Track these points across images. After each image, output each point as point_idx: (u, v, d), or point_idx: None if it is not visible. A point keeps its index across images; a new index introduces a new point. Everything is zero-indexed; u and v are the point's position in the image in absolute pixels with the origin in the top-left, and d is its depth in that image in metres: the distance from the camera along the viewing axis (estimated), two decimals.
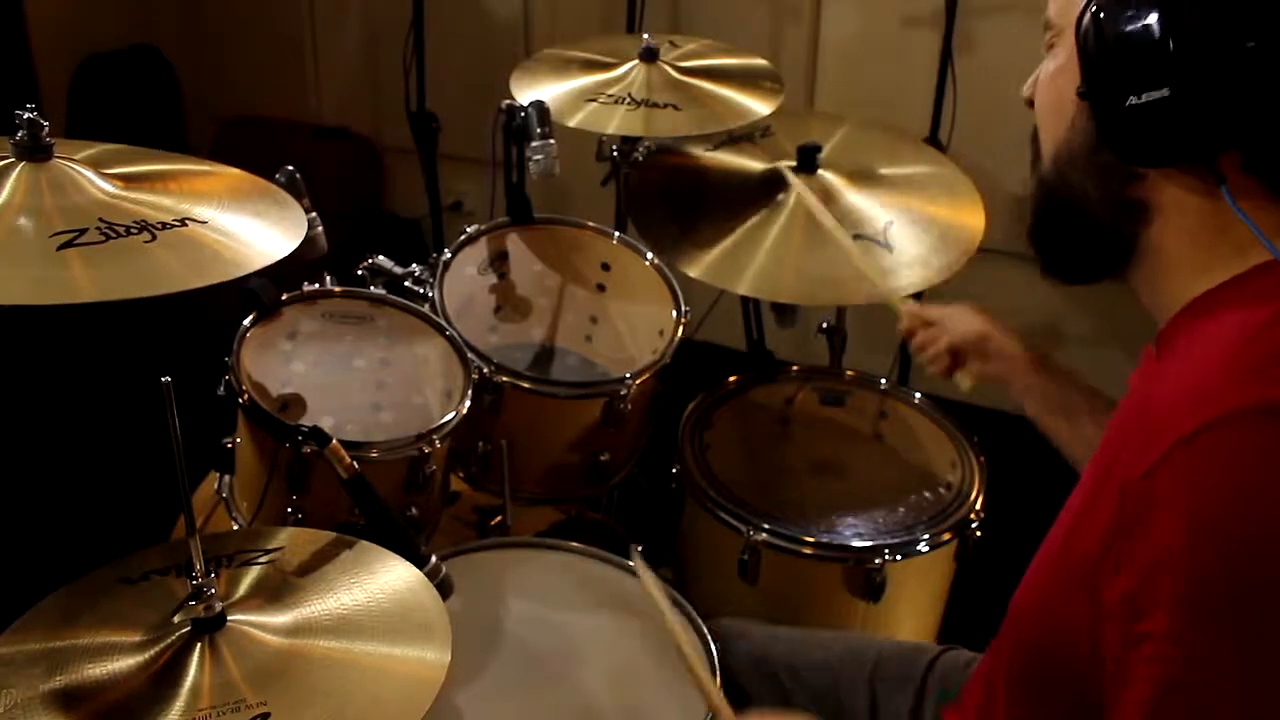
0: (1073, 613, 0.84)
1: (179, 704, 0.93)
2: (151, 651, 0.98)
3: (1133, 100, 0.82)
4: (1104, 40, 0.83)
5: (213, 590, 0.99)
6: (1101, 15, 0.83)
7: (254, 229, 1.08)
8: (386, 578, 1.09)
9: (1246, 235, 0.83)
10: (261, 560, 1.11)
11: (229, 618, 1.00)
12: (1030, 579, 0.95)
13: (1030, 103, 1.00)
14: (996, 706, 1.00)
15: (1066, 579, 0.86)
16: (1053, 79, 0.94)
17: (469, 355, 1.53)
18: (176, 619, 1.01)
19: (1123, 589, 0.78)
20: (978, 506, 1.67)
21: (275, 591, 1.06)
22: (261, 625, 1.01)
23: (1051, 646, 0.90)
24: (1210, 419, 0.75)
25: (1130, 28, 0.81)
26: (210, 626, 0.99)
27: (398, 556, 1.13)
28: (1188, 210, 0.87)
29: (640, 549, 1.33)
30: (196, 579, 0.98)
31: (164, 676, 0.96)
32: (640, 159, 1.91)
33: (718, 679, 1.25)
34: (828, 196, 1.79)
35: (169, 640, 0.99)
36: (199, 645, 0.98)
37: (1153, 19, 0.80)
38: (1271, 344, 0.79)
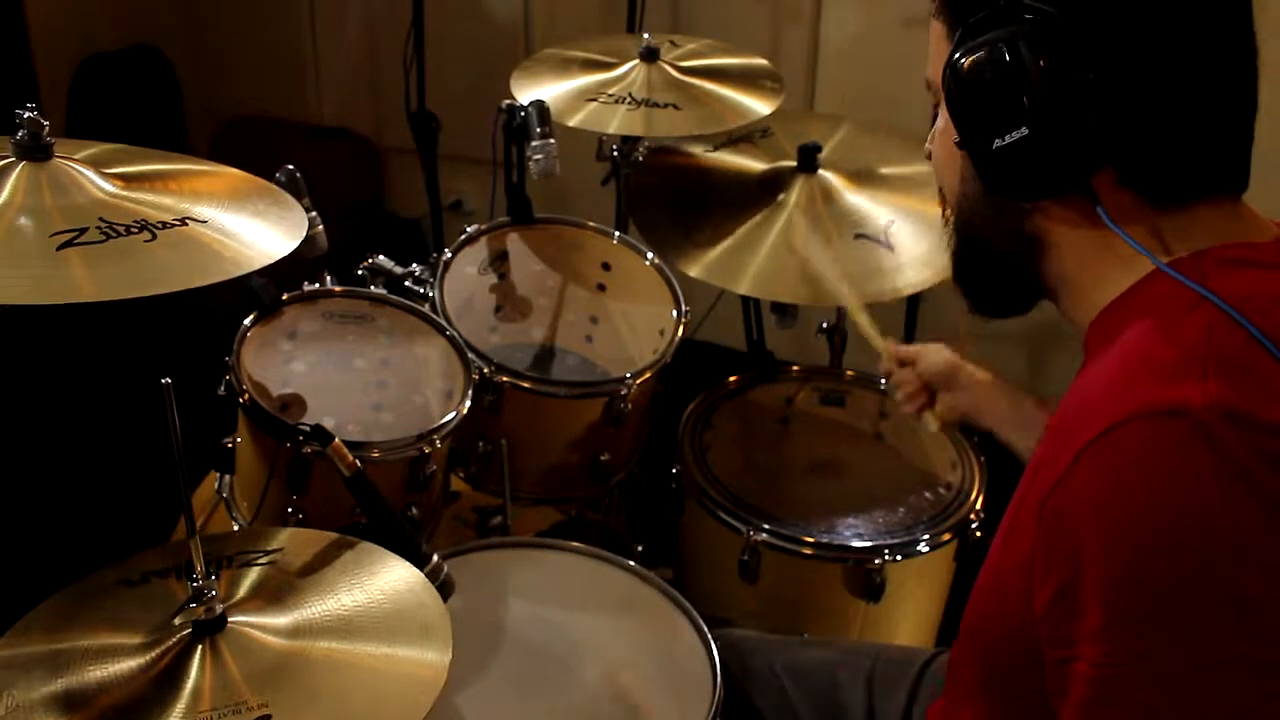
0: (1011, 617, 0.88)
1: (180, 706, 0.93)
2: (152, 653, 0.98)
3: (998, 142, 0.88)
4: (964, 92, 0.90)
5: (213, 592, 0.99)
6: (959, 69, 0.89)
7: (254, 229, 1.08)
8: (387, 578, 1.09)
9: (1128, 248, 0.88)
10: (262, 561, 1.11)
11: (230, 619, 1.00)
12: (980, 582, 0.98)
13: (930, 158, 1.06)
14: (965, 704, 1.02)
15: (1004, 585, 0.89)
16: (941, 136, 1.01)
17: (469, 355, 1.53)
18: (177, 621, 1.01)
19: (1049, 595, 0.82)
20: (978, 506, 1.68)
21: (276, 593, 1.06)
22: (262, 626, 1.01)
23: (999, 646, 0.93)
24: (1105, 426, 0.79)
25: (983, 77, 0.88)
26: (211, 628, 0.99)
27: (398, 557, 1.13)
28: (1073, 236, 0.93)
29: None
30: (197, 581, 0.98)
31: (165, 678, 0.95)
32: (640, 159, 1.91)
33: (719, 692, 1.25)
34: (828, 196, 1.80)
35: (170, 642, 0.99)
36: (200, 647, 0.98)
37: (1000, 67, 0.86)
38: (1158, 349, 0.83)
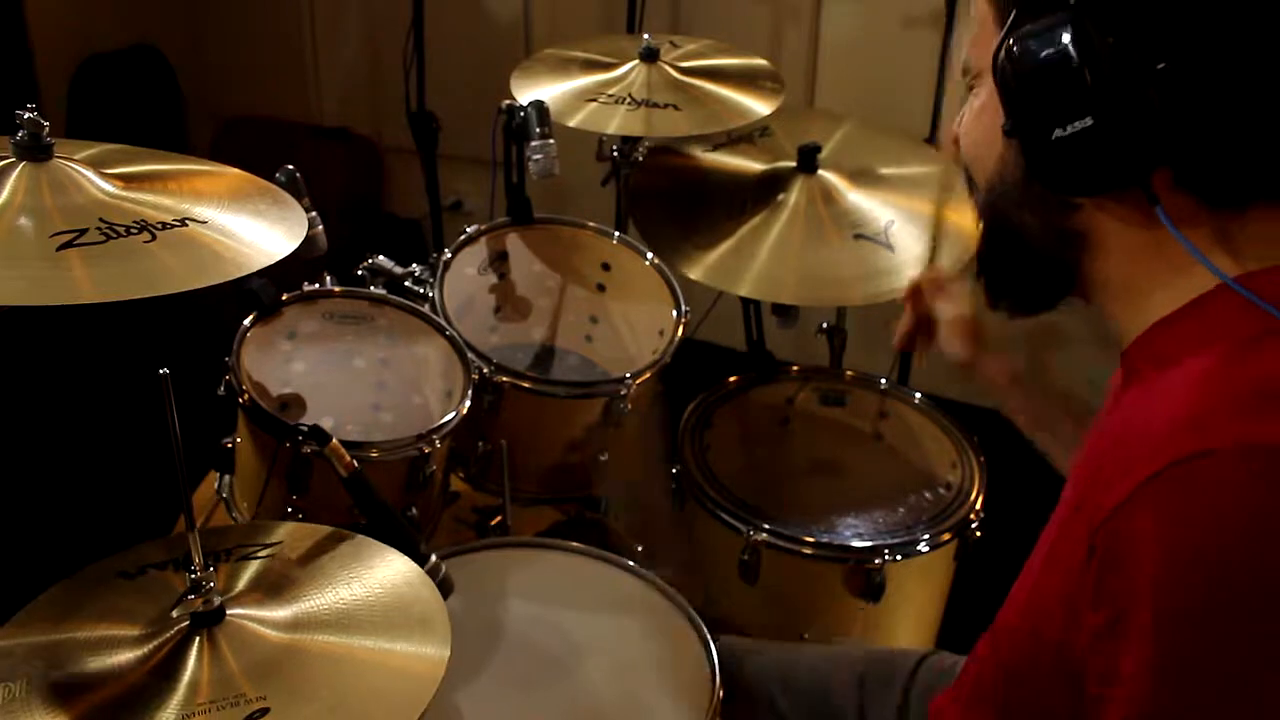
0: (1049, 640, 0.85)
1: (177, 698, 0.93)
2: (150, 645, 0.98)
3: (1059, 133, 0.82)
4: (1022, 76, 0.84)
5: (212, 584, 0.99)
6: (1016, 51, 0.84)
7: (254, 229, 1.08)
8: (385, 572, 1.09)
9: (1184, 255, 0.83)
10: (260, 555, 1.11)
11: (228, 612, 1.00)
12: (1013, 599, 0.95)
13: (956, 142, 1.00)
14: (981, 713, 1.01)
15: (1044, 606, 0.86)
16: (977, 118, 0.95)
17: (469, 355, 1.53)
18: (175, 613, 1.00)
19: (1096, 627, 0.78)
20: (978, 506, 1.67)
21: (274, 586, 1.06)
22: (260, 620, 1.01)
23: (1031, 669, 0.90)
24: (1179, 456, 0.75)
25: (1045, 61, 0.82)
26: (209, 620, 0.99)
27: (396, 551, 1.13)
28: (1124, 237, 0.87)
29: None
30: (195, 573, 0.98)
31: (162, 670, 0.95)
32: (640, 159, 1.91)
33: (717, 692, 1.25)
34: (828, 197, 1.80)
35: (168, 634, 0.98)
36: (198, 639, 0.97)
37: (1066, 50, 0.81)
38: (1238, 380, 0.79)
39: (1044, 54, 0.82)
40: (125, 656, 0.97)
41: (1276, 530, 0.72)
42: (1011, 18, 0.85)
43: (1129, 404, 0.88)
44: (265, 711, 0.91)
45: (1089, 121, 0.80)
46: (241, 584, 1.07)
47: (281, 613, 1.02)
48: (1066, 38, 0.80)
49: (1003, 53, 0.85)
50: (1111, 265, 0.89)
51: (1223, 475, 0.74)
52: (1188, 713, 0.74)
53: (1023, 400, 1.34)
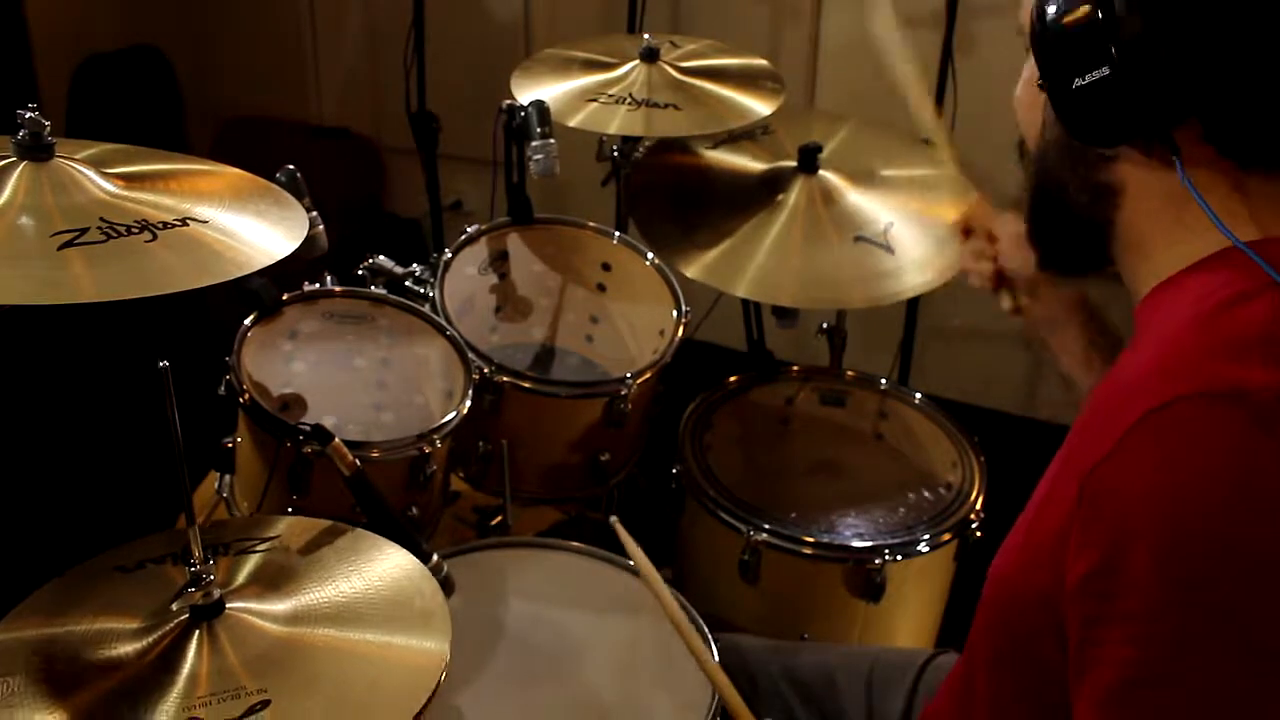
0: (1038, 589, 0.85)
1: (177, 691, 0.93)
2: (150, 638, 0.98)
3: (1078, 82, 0.85)
4: (1046, 29, 0.87)
5: (211, 577, 0.99)
6: (1044, 6, 0.87)
7: (255, 229, 1.08)
8: (384, 565, 1.09)
9: (1201, 214, 0.84)
10: (260, 548, 1.11)
11: (227, 605, 1.00)
12: (1005, 549, 0.95)
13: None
14: (976, 676, 1.01)
15: (1034, 556, 0.87)
16: (1027, 82, 0.98)
17: (469, 355, 1.54)
18: (175, 606, 1.01)
19: (1085, 571, 0.79)
20: (978, 506, 1.68)
21: (274, 579, 1.06)
22: (260, 613, 1.01)
23: (1020, 618, 0.90)
24: (1153, 405, 0.77)
25: (1066, 14, 0.85)
26: (209, 613, 0.99)
27: (396, 545, 1.13)
28: (1150, 190, 0.89)
29: (616, 518, 1.30)
30: (195, 566, 0.98)
31: (162, 663, 0.95)
32: (641, 159, 1.91)
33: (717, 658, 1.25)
34: (828, 197, 1.80)
35: (167, 627, 0.98)
36: (197, 632, 0.98)
37: (1086, 3, 0.84)
38: (1216, 329, 0.81)
39: (1066, 7, 0.85)
40: (124, 650, 0.97)
41: (1244, 468, 0.74)
42: None
43: (1128, 355, 0.90)
44: (265, 704, 0.92)
45: (1105, 72, 0.83)
46: (241, 577, 1.07)
47: (281, 606, 1.02)
48: None
49: (1035, 7, 0.89)
50: (1138, 221, 0.91)
51: (1193, 419, 0.76)
52: (1191, 653, 0.74)
53: (1078, 346, 1.27)
